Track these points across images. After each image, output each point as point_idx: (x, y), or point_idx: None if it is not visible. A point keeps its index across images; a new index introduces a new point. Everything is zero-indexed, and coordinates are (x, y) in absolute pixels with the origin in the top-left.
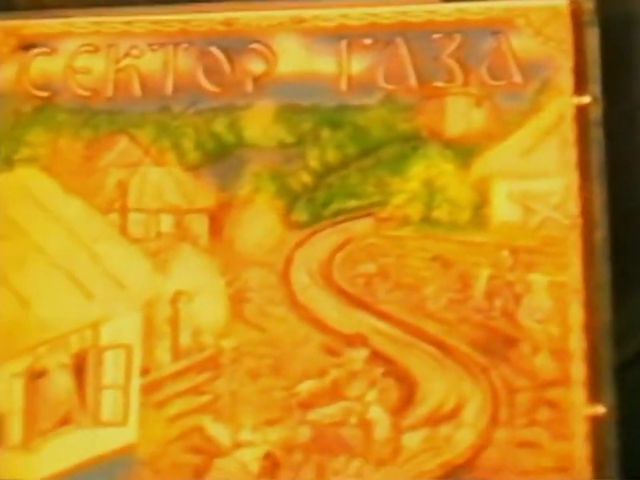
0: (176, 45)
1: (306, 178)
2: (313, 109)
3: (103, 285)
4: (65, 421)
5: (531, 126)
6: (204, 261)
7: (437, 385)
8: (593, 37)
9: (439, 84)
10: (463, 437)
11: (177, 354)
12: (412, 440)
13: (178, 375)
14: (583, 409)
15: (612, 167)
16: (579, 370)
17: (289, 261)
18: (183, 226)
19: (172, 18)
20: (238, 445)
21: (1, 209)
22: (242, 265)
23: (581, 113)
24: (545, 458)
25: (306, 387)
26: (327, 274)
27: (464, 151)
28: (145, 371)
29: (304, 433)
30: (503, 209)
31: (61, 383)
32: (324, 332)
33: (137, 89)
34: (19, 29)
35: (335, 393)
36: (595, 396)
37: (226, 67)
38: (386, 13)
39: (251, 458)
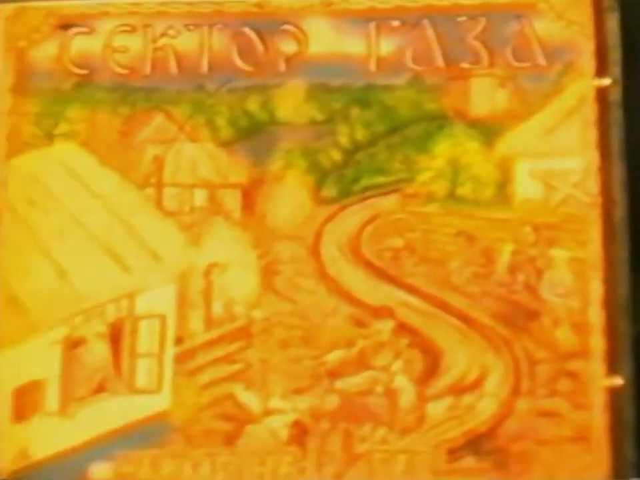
0: (211, 25)
1: (335, 155)
2: (342, 89)
3: (139, 257)
4: (100, 388)
5: (553, 107)
6: (236, 235)
7: (461, 356)
8: (613, 22)
9: (465, 65)
10: (485, 407)
11: (209, 324)
12: (436, 409)
13: (210, 344)
14: (601, 380)
15: (631, 147)
16: (598, 342)
17: (318, 235)
18: (216, 200)
19: (207, 0)
20: (268, 413)
21: (41, 182)
22: (273, 238)
23: (602, 94)
24: (565, 427)
25: (334, 356)
26: (355, 248)
27: (488, 130)
28: (178, 340)
29: (332, 401)
30: (525, 187)
31: (97, 351)
32: (352, 304)
33: (173, 68)
34: (59, 9)
35: (361, 362)
36: (613, 368)
37: (259, 47)
38: None
39: (280, 425)
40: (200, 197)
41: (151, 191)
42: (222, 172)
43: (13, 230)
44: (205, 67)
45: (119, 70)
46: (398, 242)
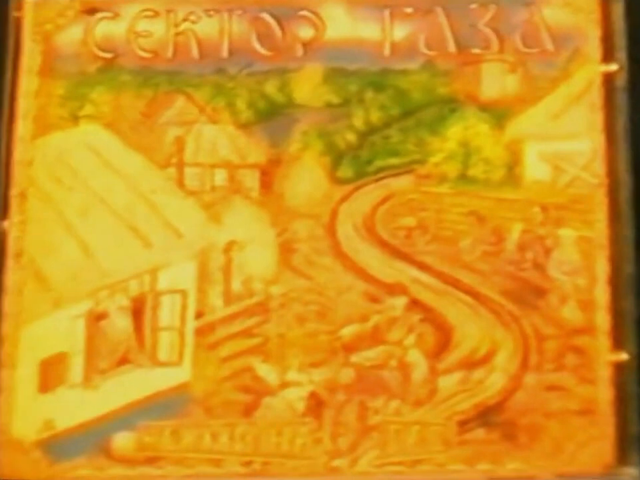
0: (230, 11)
1: (351, 137)
2: (358, 73)
3: (161, 234)
4: (123, 361)
5: (561, 91)
6: (255, 213)
7: (471, 331)
8: (619, 8)
9: (476, 51)
10: (495, 380)
11: (229, 299)
12: (447, 382)
13: (230, 318)
14: (607, 356)
15: (637, 130)
16: (603, 319)
17: (334, 214)
18: (236, 180)
19: None
20: (285, 385)
21: (66, 162)
22: (290, 217)
23: (608, 79)
24: (571, 401)
25: (349, 331)
26: (370, 226)
27: (498, 114)
28: (199, 315)
29: (347, 374)
30: (534, 168)
31: (120, 324)
32: (366, 280)
33: (194, 52)
34: None
35: (376, 337)
36: (618, 343)
37: (277, 32)
38: None
39: (296, 397)
40: (220, 177)
41: (172, 171)
42: (241, 152)
43: (38, 208)
44: (225, 52)
45: (142, 54)
46: (411, 221)
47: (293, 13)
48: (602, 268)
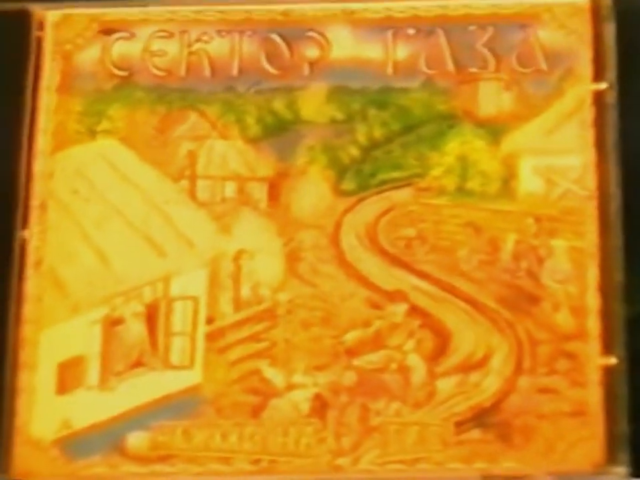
0: (241, 32)
1: (354, 151)
2: (361, 91)
3: (174, 243)
4: (137, 364)
5: (554, 109)
6: (263, 224)
7: (468, 337)
8: (609, 30)
9: (473, 70)
10: (490, 383)
11: (238, 305)
12: (445, 385)
13: (239, 324)
14: (597, 360)
15: (626, 146)
16: (594, 325)
17: (338, 225)
18: (245, 192)
19: (238, 8)
20: (291, 387)
21: (84, 175)
22: (297, 227)
23: (598, 98)
24: (563, 403)
25: (352, 336)
26: (372, 236)
27: (494, 130)
28: (209, 320)
29: (349, 377)
30: (528, 182)
31: (134, 329)
32: (368, 288)
33: (206, 71)
34: (102, 15)
35: (377, 342)
36: (608, 348)
37: (285, 52)
38: (427, 7)
39: (302, 398)
40: (230, 189)
41: (185, 183)
42: (250, 166)
43: (57, 218)
44: (235, 70)
45: (157, 72)
46: (411, 231)
47: (301, 34)
48: (592, 276)
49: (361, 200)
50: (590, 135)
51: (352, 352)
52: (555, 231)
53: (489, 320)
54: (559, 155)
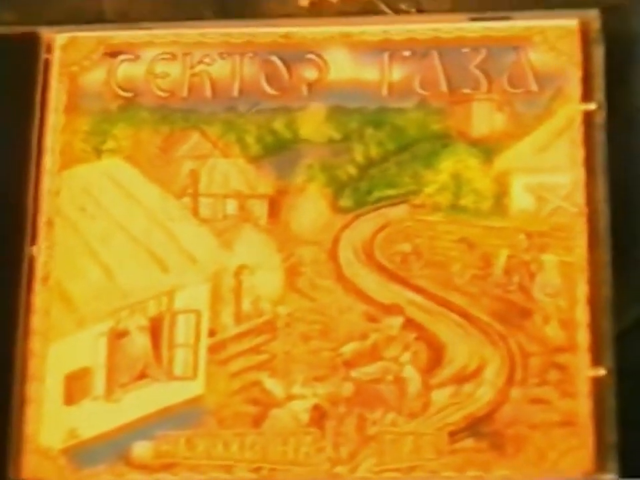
0: (242, 54)
1: (351, 170)
2: (358, 111)
3: (177, 258)
4: (142, 375)
5: (545, 128)
6: (263, 240)
7: (462, 349)
8: (598, 52)
9: (466, 91)
10: (483, 394)
11: (239, 318)
12: (440, 395)
13: (240, 336)
14: (586, 371)
15: (613, 163)
16: (583, 337)
17: (336, 241)
18: (246, 209)
19: (239, 31)
20: (290, 398)
21: (90, 192)
22: (296, 243)
23: (587, 118)
24: (553, 413)
25: (349, 348)
26: (369, 252)
27: (487, 149)
28: (211, 333)
29: (347, 388)
30: (520, 199)
31: (139, 342)
32: (365, 302)
33: (208, 92)
34: (108, 38)
35: (374, 354)
36: (597, 360)
37: (284, 73)
38: (422, 30)
39: (301, 409)
40: (231, 206)
41: (187, 201)
42: (251, 184)
43: (64, 235)
44: (236, 91)
45: (160, 93)
46: (406, 247)
47: (300, 55)
48: (582, 290)
49: (358, 216)
50: (579, 154)
51: (349, 364)
52: (545, 246)
53: (482, 333)
54: (550, 172)
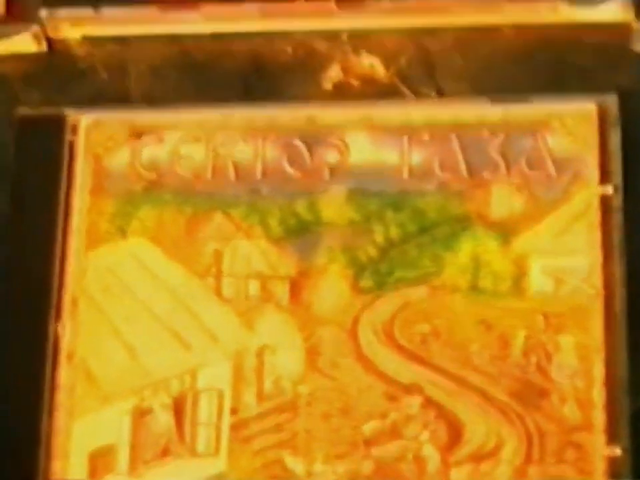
0: (265, 137)
1: (372, 251)
2: (379, 194)
3: (200, 338)
4: (165, 452)
5: (562, 211)
6: (285, 320)
7: (480, 428)
8: (616, 136)
9: (486, 174)
10: (501, 472)
11: (261, 397)
12: (458, 474)
13: (262, 415)
14: (603, 450)
15: (630, 245)
16: (599, 417)
17: (356, 321)
18: (268, 290)
19: (262, 114)
20: (311, 475)
21: (114, 272)
22: (317, 323)
23: (605, 201)
24: None
25: (370, 427)
26: (389, 332)
27: (505, 231)
28: (234, 411)
29: (367, 466)
30: (537, 281)
31: (162, 420)
32: (385, 381)
33: (231, 174)
34: (132, 120)
35: (394, 432)
36: (613, 439)
37: (306, 156)
38: (442, 114)
39: None
40: (253, 287)
41: (210, 281)
42: (273, 265)
43: (89, 314)
44: (259, 173)
45: (184, 175)
46: (426, 327)
47: (322, 139)
48: (598, 371)
49: (378, 297)
50: (597, 237)
51: (370, 442)
52: (562, 327)
53: (500, 412)
54: (567, 255)
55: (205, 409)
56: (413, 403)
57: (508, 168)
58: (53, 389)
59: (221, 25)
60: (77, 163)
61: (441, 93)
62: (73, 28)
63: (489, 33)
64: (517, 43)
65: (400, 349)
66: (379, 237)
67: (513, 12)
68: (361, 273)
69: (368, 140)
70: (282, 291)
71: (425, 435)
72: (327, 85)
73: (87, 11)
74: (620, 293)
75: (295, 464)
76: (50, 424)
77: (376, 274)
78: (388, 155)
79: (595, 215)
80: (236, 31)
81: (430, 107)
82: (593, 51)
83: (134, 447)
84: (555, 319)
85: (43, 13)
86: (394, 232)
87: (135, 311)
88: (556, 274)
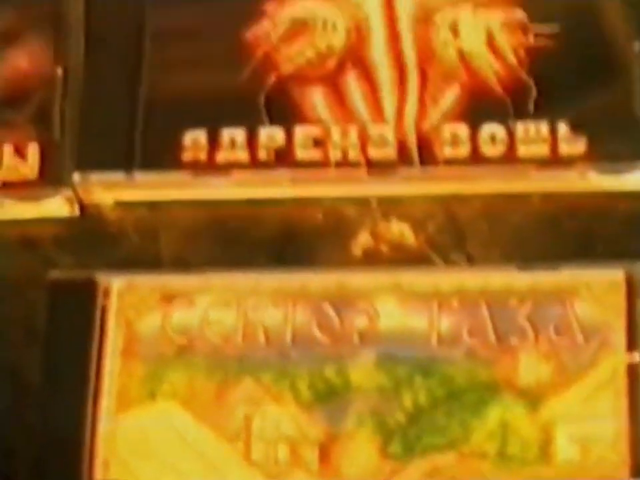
0: (295, 302)
1: (400, 417)
2: (408, 359)
3: None
4: None
5: (590, 379)
6: None
7: None
8: None
9: (514, 341)
10: None
11: None
12: None
13: None
14: None
15: None
16: None
17: None
18: (297, 454)
19: (292, 280)
20: None
21: (144, 434)
22: None
23: (631, 369)
24: None
25: None
26: None
27: (533, 398)
28: None
29: None
30: (564, 447)
31: None
32: None
33: (261, 339)
34: (164, 284)
35: None
36: None
37: (336, 321)
38: (471, 280)
39: None
40: (283, 451)
41: (240, 445)
42: (302, 430)
43: (119, 475)
44: (288, 338)
45: (215, 340)
46: None
47: (351, 304)
48: None
49: (406, 463)
50: (623, 404)
51: None
52: None
53: None
54: (594, 422)
55: None
56: None
57: (536, 335)
58: None
59: (252, 190)
60: (109, 327)
61: (470, 260)
62: (105, 192)
63: (518, 201)
64: (546, 210)
65: None
66: (408, 403)
67: (541, 180)
68: (389, 438)
69: (397, 306)
70: (311, 455)
71: None
72: (357, 251)
73: (119, 176)
74: None
75: None
76: None
77: (404, 440)
78: (417, 321)
79: (622, 383)
80: (267, 196)
81: (459, 274)
82: (621, 219)
83: None
84: None
85: (76, 177)
86: (422, 398)
87: (164, 474)
88: (582, 441)
